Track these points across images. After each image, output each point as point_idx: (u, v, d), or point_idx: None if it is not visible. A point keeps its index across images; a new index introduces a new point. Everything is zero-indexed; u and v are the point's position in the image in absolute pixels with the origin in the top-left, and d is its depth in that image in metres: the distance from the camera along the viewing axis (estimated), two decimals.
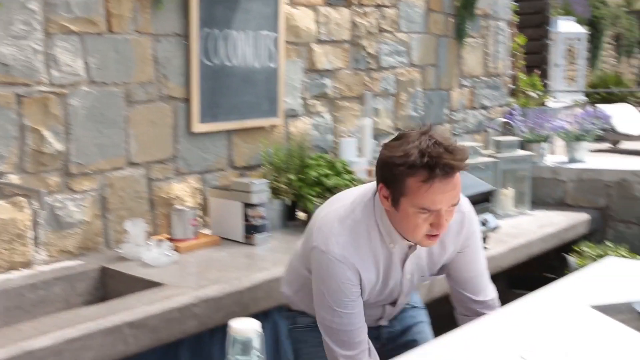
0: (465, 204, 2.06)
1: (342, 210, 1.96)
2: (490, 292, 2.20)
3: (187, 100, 3.29)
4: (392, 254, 1.97)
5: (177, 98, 3.26)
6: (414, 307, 2.35)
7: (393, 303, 2.16)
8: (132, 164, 3.11)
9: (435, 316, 2.46)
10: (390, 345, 2.23)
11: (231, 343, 1.16)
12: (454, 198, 1.80)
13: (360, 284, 1.92)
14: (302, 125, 3.88)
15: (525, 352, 1.43)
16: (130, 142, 3.09)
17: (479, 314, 2.12)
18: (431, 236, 1.85)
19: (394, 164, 1.77)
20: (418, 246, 1.97)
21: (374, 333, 2.17)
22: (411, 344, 2.17)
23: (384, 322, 2.25)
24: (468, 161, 1.81)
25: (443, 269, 2.15)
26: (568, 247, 4.35)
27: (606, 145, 10.78)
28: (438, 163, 1.72)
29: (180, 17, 3.23)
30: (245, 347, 1.15)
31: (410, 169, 1.74)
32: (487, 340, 1.91)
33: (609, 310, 2.05)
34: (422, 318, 2.35)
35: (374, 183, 1.97)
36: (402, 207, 1.81)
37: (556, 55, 11.50)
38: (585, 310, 2.07)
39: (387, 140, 1.94)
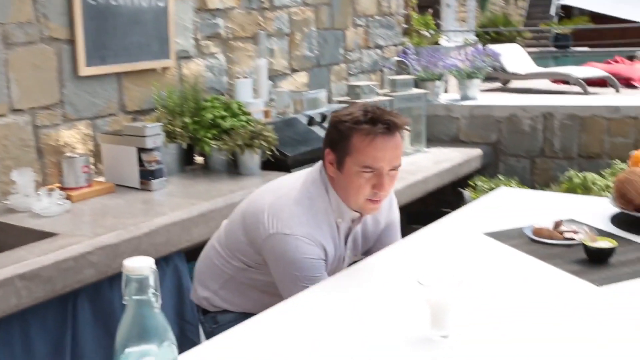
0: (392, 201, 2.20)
1: (295, 192, 1.95)
2: None
3: (71, 42, 3.12)
4: (339, 229, 2.00)
5: (60, 39, 3.09)
6: None
7: None
8: (15, 111, 2.94)
9: None
10: None
11: (126, 283, 1.11)
12: (396, 159, 1.88)
13: (325, 259, 1.95)
14: (195, 67, 3.77)
15: (422, 277, 1.45)
16: (11, 87, 2.91)
17: None
18: (373, 201, 1.90)
19: (340, 121, 1.88)
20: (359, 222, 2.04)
21: None
22: None
23: None
24: (407, 127, 1.92)
25: (367, 251, 2.21)
26: (463, 182, 4.49)
27: (497, 85, 11.10)
28: (380, 118, 1.84)
29: None
30: (141, 285, 1.11)
31: (355, 124, 1.85)
32: (386, 268, 1.95)
33: (501, 236, 2.12)
34: None
35: (316, 165, 2.02)
36: (346, 168, 1.87)
37: None
38: (479, 237, 2.14)
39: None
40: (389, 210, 2.15)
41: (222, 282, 2.13)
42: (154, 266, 1.12)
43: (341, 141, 1.87)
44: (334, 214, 1.96)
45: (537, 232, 2.07)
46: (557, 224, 2.08)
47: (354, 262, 2.10)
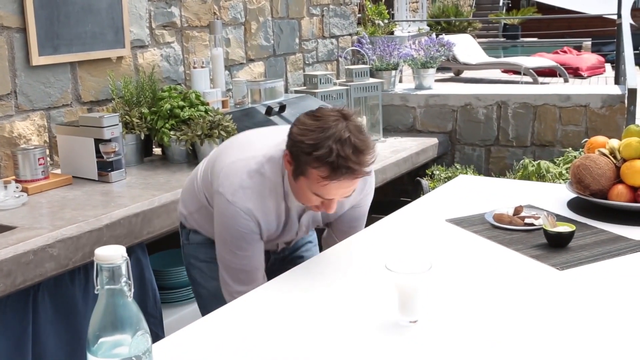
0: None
1: (253, 162, 1.93)
2: None
3: (23, 30, 3.05)
4: (290, 210, 2.00)
5: (11, 28, 3.01)
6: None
7: (287, 243, 2.24)
8: None
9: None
10: (277, 265, 2.24)
11: (98, 272, 1.10)
12: (349, 192, 1.85)
13: (260, 233, 1.97)
14: (150, 57, 3.72)
15: (389, 263, 1.47)
16: None
17: None
18: (318, 207, 1.91)
19: (302, 151, 1.76)
20: None
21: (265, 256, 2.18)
22: (298, 260, 2.21)
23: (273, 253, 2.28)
24: (372, 166, 1.84)
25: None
26: (420, 171, 4.54)
27: (449, 75, 11.22)
28: (343, 166, 1.72)
29: None
30: (113, 274, 1.10)
31: (316, 161, 1.74)
32: (353, 255, 1.96)
33: (464, 222, 2.15)
34: (311, 238, 2.39)
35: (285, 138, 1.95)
36: (299, 183, 1.83)
37: None
38: (442, 224, 2.17)
39: (302, 118, 1.84)
40: (359, 193, 2.09)
41: (196, 207, 2.18)
42: (125, 255, 1.11)
43: (300, 162, 1.79)
44: (285, 197, 1.95)
45: (498, 218, 2.11)
46: (517, 210, 2.12)
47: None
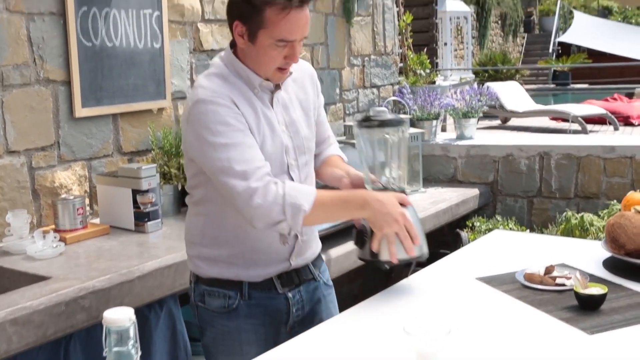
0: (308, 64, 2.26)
1: (202, 75, 2.03)
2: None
3: (67, 83, 3.15)
4: (260, 101, 1.98)
5: (56, 81, 3.11)
6: (326, 284, 2.28)
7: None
8: (11, 152, 2.96)
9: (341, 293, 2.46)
10: (297, 327, 2.14)
11: (106, 334, 1.11)
12: (306, 30, 1.92)
13: (245, 119, 1.92)
14: None
15: (409, 325, 1.44)
16: (7, 128, 2.93)
17: None
18: (282, 69, 1.95)
19: (249, 3, 1.86)
20: (281, 89, 2.04)
21: (283, 312, 2.12)
22: (317, 321, 2.12)
23: (294, 260, 2.10)
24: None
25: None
26: (460, 222, 4.48)
27: (496, 122, 11.17)
28: None
29: None
30: (121, 337, 1.11)
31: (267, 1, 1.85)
32: (373, 316, 1.93)
33: (493, 281, 2.11)
34: (331, 298, 2.30)
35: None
36: (259, 41, 1.89)
37: (444, 33, 11.80)
38: (471, 282, 2.13)
39: None
40: (312, 79, 2.20)
41: (202, 225, 2.08)
42: (133, 317, 1.12)
43: (253, 14, 1.86)
44: (246, 81, 1.97)
45: (529, 277, 2.06)
46: (549, 270, 2.07)
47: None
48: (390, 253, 1.92)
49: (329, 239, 3.16)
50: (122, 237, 2.98)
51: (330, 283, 2.32)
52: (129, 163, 3.40)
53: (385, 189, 2.05)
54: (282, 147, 2.01)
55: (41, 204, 3.09)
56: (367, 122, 2.06)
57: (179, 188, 3.34)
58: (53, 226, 2.97)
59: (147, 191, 3.03)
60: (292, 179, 2.04)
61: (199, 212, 2.10)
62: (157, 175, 3.10)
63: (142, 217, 3.04)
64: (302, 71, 2.15)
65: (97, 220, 3.20)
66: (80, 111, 3.19)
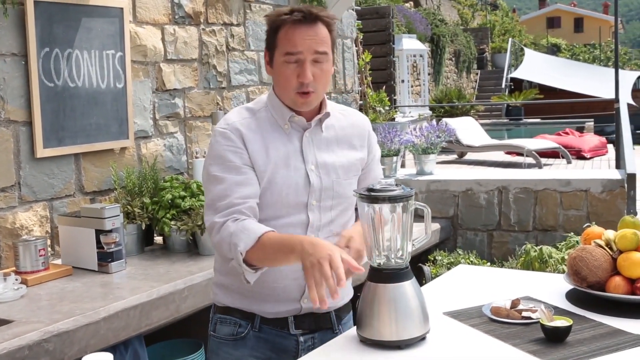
0: (365, 116, 2.22)
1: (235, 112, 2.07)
2: None
3: (29, 124, 3.13)
4: (288, 137, 1.99)
5: (17, 121, 3.09)
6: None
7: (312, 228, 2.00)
8: None
9: None
10: None
11: None
12: (316, 45, 1.93)
13: (249, 155, 1.93)
14: (154, 147, 3.79)
15: None
16: None
17: None
18: (302, 94, 1.94)
19: (269, 29, 1.98)
20: (316, 128, 2.02)
21: (291, 353, 2.03)
22: None
23: (305, 302, 2.01)
24: (334, 20, 1.99)
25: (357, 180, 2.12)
26: (422, 256, 4.53)
27: (453, 157, 11.33)
28: (297, 11, 1.94)
29: (17, 36, 3.07)
30: None
31: (277, 16, 1.96)
32: (348, 356, 1.93)
33: (461, 315, 2.13)
34: None
35: None
36: (275, 62, 1.96)
37: (402, 71, 12.00)
38: (439, 317, 2.15)
39: None
40: (361, 129, 2.12)
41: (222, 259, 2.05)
42: None
43: (271, 37, 1.97)
44: (276, 116, 1.99)
45: (496, 311, 2.09)
46: (515, 303, 2.11)
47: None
48: (311, 299, 1.71)
49: None
50: (85, 278, 2.94)
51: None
52: (92, 203, 3.37)
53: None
54: (298, 184, 1.98)
55: (1, 246, 3.04)
56: (372, 196, 1.88)
57: (143, 227, 3.31)
58: (14, 268, 2.92)
59: (110, 231, 3.00)
60: (308, 219, 2.00)
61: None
62: (121, 215, 3.07)
63: (105, 258, 3.01)
64: (353, 122, 2.11)
65: (59, 261, 3.15)
66: (42, 151, 3.17)
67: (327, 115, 2.03)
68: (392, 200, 1.88)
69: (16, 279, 2.74)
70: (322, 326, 2.08)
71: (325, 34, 1.96)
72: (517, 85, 21.09)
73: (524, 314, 2.05)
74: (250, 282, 1.87)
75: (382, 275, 1.92)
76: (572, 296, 2.25)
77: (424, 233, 2.09)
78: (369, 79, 6.03)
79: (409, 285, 1.93)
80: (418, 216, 1.99)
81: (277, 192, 1.95)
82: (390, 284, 1.91)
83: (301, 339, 2.05)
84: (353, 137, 2.10)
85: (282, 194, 1.96)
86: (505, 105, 18.36)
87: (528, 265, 4.07)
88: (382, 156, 4.90)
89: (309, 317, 2.05)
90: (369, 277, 1.94)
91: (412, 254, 4.17)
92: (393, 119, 5.86)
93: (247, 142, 1.94)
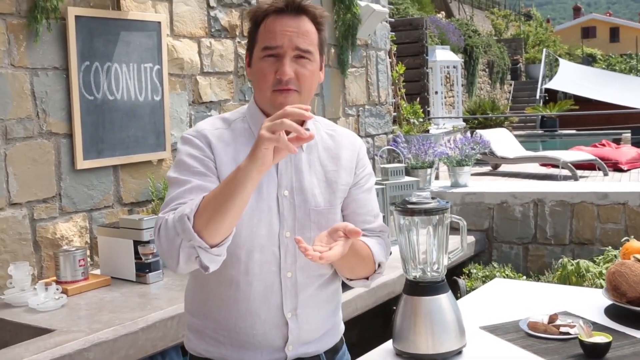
0: (358, 137, 1.93)
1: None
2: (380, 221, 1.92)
3: (69, 136, 3.19)
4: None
5: (58, 134, 3.16)
6: None
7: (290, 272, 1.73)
8: (13, 205, 2.98)
9: None
10: None
11: None
12: (298, 40, 1.69)
13: (216, 165, 1.69)
14: None
15: None
16: (10, 181, 2.96)
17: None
18: (278, 91, 1.68)
19: (252, 13, 1.74)
20: (303, 150, 1.77)
21: None
22: None
23: (290, 350, 1.75)
24: (323, 22, 1.75)
25: (342, 206, 1.83)
26: (457, 269, 4.50)
27: (487, 169, 11.26)
28: (284, 1, 1.70)
29: (59, 50, 3.14)
30: None
31: (256, 12, 1.73)
32: None
33: (497, 330, 2.12)
34: None
35: None
36: (254, 60, 1.73)
37: (435, 82, 11.98)
38: (475, 331, 2.14)
39: None
40: (350, 150, 1.84)
41: (193, 287, 1.82)
42: None
43: (252, 35, 1.74)
44: (253, 126, 1.74)
45: (533, 326, 2.08)
46: (552, 318, 2.10)
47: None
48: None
49: None
50: (123, 289, 2.98)
51: None
52: (130, 214, 3.42)
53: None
54: (271, 210, 1.71)
55: (42, 256, 3.10)
56: (408, 208, 1.84)
57: None
58: (54, 278, 2.98)
59: (148, 242, 3.04)
60: (280, 259, 1.72)
61: (192, 272, 1.76)
62: None
63: (143, 268, 3.05)
64: (341, 142, 1.85)
65: (97, 272, 3.20)
66: (82, 163, 3.23)
67: (309, 133, 1.56)
68: (428, 212, 1.87)
69: (57, 289, 2.79)
70: None
71: (311, 29, 1.72)
72: (552, 96, 20.89)
73: (562, 329, 2.03)
74: (209, 268, 1.56)
75: (418, 288, 1.92)
76: (611, 312, 2.23)
77: (459, 246, 2.09)
78: (403, 90, 6.03)
79: (445, 299, 1.93)
80: (453, 229, 1.99)
81: (245, 221, 1.65)
82: (427, 297, 1.91)
83: None
84: (340, 160, 1.82)
85: (252, 221, 1.68)
86: (540, 116, 18.19)
87: (565, 280, 4.02)
88: (416, 168, 4.90)
89: None
90: (405, 290, 1.94)
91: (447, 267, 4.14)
92: (427, 131, 5.85)
93: (215, 151, 1.69)
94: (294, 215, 1.73)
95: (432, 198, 1.92)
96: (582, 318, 2.14)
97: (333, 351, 1.87)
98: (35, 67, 3.06)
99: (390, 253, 1.91)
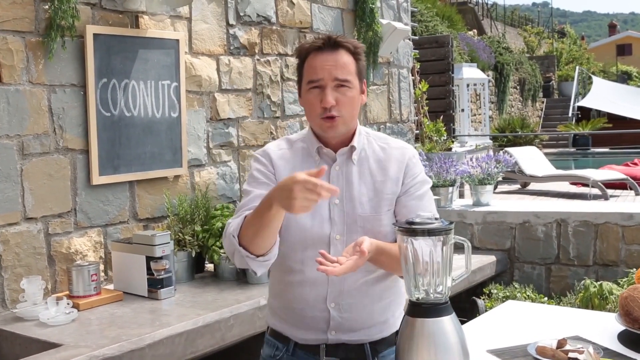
0: (410, 148, 2.13)
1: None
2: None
3: (86, 152, 3.21)
4: (317, 165, 1.98)
5: (75, 150, 3.18)
6: None
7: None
8: (29, 219, 3.00)
9: None
10: None
11: None
12: (337, 72, 1.94)
13: (276, 179, 1.97)
14: (207, 175, 3.84)
15: None
16: (25, 196, 2.98)
17: None
18: (326, 119, 1.94)
19: (298, 52, 2.03)
20: (348, 161, 2.02)
21: None
22: None
23: (332, 334, 2.02)
24: (359, 52, 2.00)
25: (395, 212, 2.05)
26: (477, 289, 4.43)
27: (516, 187, 11.13)
28: (317, 39, 1.99)
29: (77, 68, 3.17)
30: None
31: (301, 51, 2.01)
32: None
33: (504, 354, 2.07)
34: None
35: None
36: (302, 91, 2.00)
37: (462, 100, 11.90)
38: (482, 355, 2.09)
39: None
40: (399, 162, 2.04)
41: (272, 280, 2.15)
42: None
43: (299, 70, 2.02)
44: (309, 147, 2.03)
45: (541, 351, 2.02)
46: (561, 343, 2.04)
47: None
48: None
49: None
50: (134, 304, 2.98)
51: None
52: (144, 230, 3.43)
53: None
54: (322, 216, 1.98)
55: (56, 270, 3.11)
56: (410, 229, 1.83)
57: (193, 255, 3.35)
58: (67, 292, 2.99)
59: (160, 258, 3.04)
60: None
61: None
62: (171, 242, 3.12)
63: (155, 284, 3.05)
64: (391, 154, 2.06)
65: (111, 286, 3.21)
66: (98, 179, 3.25)
67: (353, 148, 2.00)
68: (431, 233, 1.85)
69: (68, 303, 2.80)
70: (354, 357, 2.05)
71: (348, 60, 1.97)
72: (585, 114, 20.62)
73: (571, 354, 1.97)
74: (257, 274, 1.93)
75: (420, 309, 1.88)
76: (623, 337, 2.16)
77: (464, 268, 2.05)
78: (426, 108, 5.99)
79: (448, 321, 1.88)
80: (474, 247, 1.96)
81: (301, 223, 1.96)
82: (429, 318, 1.87)
83: None
84: (388, 171, 2.04)
85: (306, 225, 1.97)
86: (572, 134, 17.97)
87: (587, 302, 3.94)
88: (437, 186, 4.85)
89: (341, 347, 2.04)
90: (408, 311, 1.91)
91: (466, 287, 4.10)
92: (450, 149, 5.80)
93: (276, 168, 2.02)
94: (343, 220, 2.00)
95: (436, 219, 1.88)
96: (593, 343, 2.08)
97: (380, 344, 2.07)
98: (53, 84, 3.09)
99: None
